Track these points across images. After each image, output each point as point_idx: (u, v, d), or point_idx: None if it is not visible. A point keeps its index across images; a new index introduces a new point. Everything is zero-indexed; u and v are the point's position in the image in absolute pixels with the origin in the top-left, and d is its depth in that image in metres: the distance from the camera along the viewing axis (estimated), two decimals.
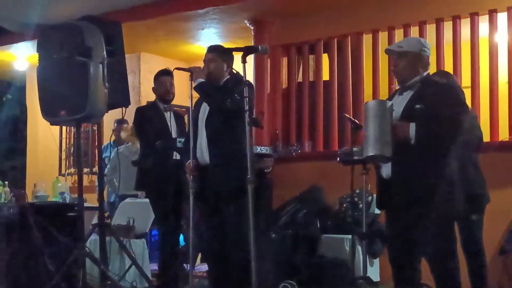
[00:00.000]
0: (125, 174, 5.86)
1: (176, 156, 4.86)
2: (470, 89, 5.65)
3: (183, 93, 5.06)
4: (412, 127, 3.28)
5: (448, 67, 5.65)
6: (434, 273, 3.72)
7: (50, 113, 4.47)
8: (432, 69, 5.51)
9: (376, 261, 5.57)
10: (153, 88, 5.15)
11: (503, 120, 5.62)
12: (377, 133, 3.28)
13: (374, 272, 5.41)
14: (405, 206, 3.36)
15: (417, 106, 3.34)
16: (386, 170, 3.43)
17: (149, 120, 4.98)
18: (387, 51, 3.61)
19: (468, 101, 5.33)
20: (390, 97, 3.62)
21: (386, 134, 3.27)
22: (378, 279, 5.44)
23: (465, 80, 5.72)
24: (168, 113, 5.04)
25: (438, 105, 3.31)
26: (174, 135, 4.98)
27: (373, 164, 3.67)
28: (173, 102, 5.17)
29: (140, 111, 5.12)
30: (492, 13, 5.68)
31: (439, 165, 3.34)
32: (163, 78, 5.02)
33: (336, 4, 6.24)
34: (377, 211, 5.26)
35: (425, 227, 3.36)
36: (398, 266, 3.47)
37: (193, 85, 4.15)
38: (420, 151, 3.29)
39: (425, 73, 3.48)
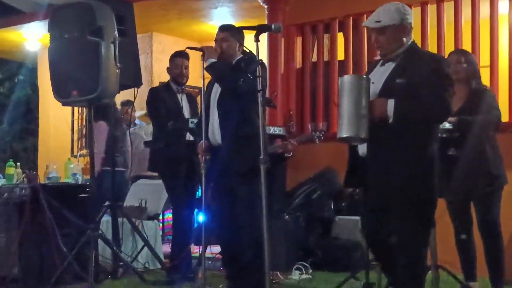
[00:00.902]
0: (139, 156, 5.86)
1: (190, 137, 4.83)
2: (489, 68, 5.54)
3: (195, 74, 5.02)
4: (391, 104, 3.01)
5: (467, 45, 5.54)
6: (399, 260, 3.15)
7: (62, 93, 4.48)
8: (450, 47, 5.49)
9: None
10: (167, 69, 5.13)
11: None
12: (351, 112, 3.00)
13: None
14: (379, 189, 3.10)
15: (398, 80, 3.07)
16: (362, 148, 3.17)
17: (162, 101, 4.96)
18: (365, 26, 3.30)
19: (487, 80, 5.26)
20: (371, 68, 3.34)
21: (361, 113, 2.99)
22: None
23: (484, 59, 5.59)
24: (181, 94, 5.03)
25: (421, 79, 3.03)
26: (186, 116, 4.97)
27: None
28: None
29: (153, 92, 5.12)
30: None
31: (418, 147, 3.07)
32: (178, 59, 5.00)
33: None
34: None
35: (400, 214, 3.08)
36: (372, 242, 3.32)
37: (205, 65, 4.08)
38: (398, 131, 3.02)
39: (409, 42, 3.20)
